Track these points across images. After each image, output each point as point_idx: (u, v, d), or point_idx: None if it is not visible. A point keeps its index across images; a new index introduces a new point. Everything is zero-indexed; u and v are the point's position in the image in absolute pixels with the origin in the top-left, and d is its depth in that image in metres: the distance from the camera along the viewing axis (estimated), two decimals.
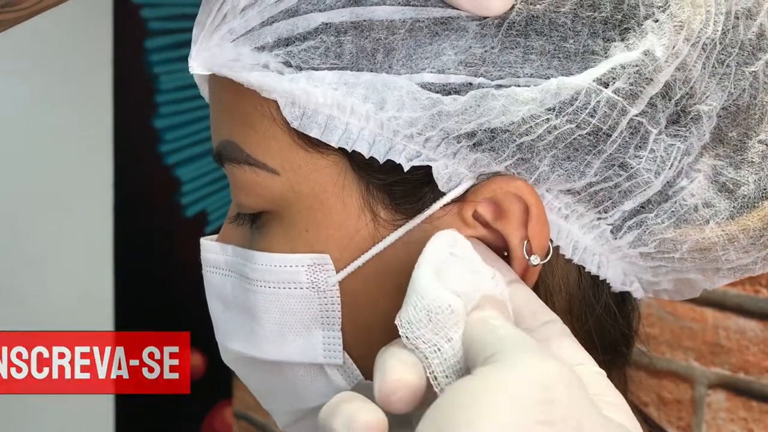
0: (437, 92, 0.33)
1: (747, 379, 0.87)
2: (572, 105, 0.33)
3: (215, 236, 0.44)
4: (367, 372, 0.38)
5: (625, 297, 0.41)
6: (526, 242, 0.35)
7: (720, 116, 0.36)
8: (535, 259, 0.35)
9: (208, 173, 1.47)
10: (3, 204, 1.29)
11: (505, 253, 0.36)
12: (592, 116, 0.33)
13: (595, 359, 0.33)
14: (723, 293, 0.89)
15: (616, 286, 0.40)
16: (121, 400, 1.43)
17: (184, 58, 0.38)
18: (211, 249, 0.42)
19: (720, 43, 0.35)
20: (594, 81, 0.33)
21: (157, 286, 1.46)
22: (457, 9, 0.33)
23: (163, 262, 1.46)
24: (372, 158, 0.35)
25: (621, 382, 0.43)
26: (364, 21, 0.34)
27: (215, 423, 1.54)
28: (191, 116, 1.44)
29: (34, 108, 1.28)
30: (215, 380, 1.50)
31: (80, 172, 1.36)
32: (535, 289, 0.36)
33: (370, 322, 0.37)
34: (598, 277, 0.39)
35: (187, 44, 0.38)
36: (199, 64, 0.37)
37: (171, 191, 1.46)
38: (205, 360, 1.49)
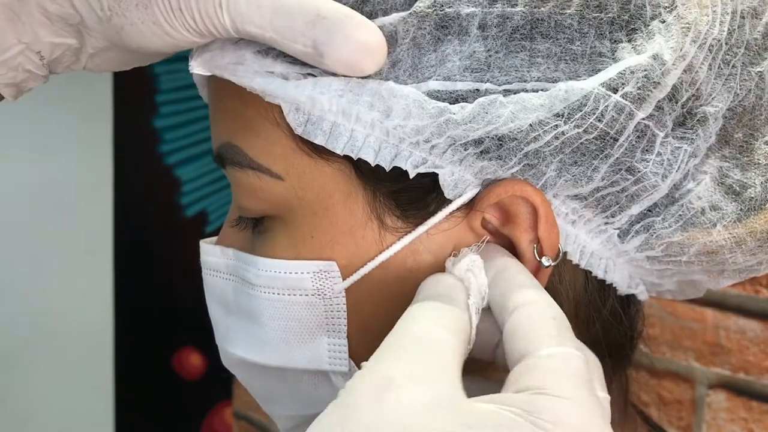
0: (444, 100, 0.33)
1: (747, 379, 0.86)
2: (580, 110, 0.32)
3: (214, 238, 0.43)
4: None
5: (629, 299, 0.41)
6: (536, 244, 0.35)
7: (726, 117, 0.35)
8: (546, 261, 0.35)
9: (208, 173, 1.47)
10: (3, 204, 1.29)
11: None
12: (599, 121, 0.33)
13: (602, 363, 0.33)
14: (723, 293, 0.88)
15: (622, 289, 0.39)
16: (121, 400, 1.43)
17: (185, 58, 0.37)
18: (211, 252, 0.42)
19: (726, 44, 0.34)
20: (602, 85, 0.32)
21: (157, 285, 1.46)
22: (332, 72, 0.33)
23: (163, 261, 1.46)
24: (378, 165, 0.34)
25: (624, 383, 0.43)
26: None
27: (215, 423, 1.54)
28: (191, 116, 1.44)
29: (34, 108, 1.28)
30: (215, 380, 1.50)
31: (80, 171, 1.36)
32: None
33: (376, 330, 0.36)
34: (604, 281, 0.38)
35: None
36: (199, 65, 0.36)
37: (171, 191, 1.45)
38: (204, 360, 1.49)
